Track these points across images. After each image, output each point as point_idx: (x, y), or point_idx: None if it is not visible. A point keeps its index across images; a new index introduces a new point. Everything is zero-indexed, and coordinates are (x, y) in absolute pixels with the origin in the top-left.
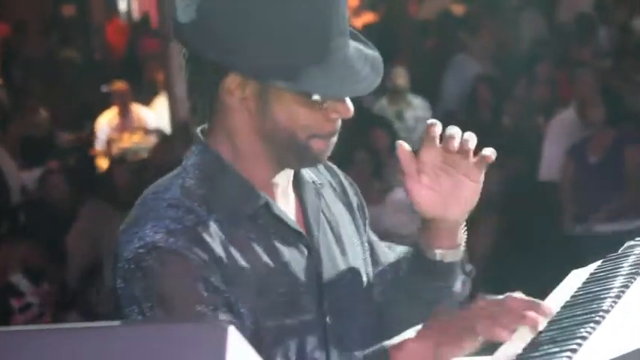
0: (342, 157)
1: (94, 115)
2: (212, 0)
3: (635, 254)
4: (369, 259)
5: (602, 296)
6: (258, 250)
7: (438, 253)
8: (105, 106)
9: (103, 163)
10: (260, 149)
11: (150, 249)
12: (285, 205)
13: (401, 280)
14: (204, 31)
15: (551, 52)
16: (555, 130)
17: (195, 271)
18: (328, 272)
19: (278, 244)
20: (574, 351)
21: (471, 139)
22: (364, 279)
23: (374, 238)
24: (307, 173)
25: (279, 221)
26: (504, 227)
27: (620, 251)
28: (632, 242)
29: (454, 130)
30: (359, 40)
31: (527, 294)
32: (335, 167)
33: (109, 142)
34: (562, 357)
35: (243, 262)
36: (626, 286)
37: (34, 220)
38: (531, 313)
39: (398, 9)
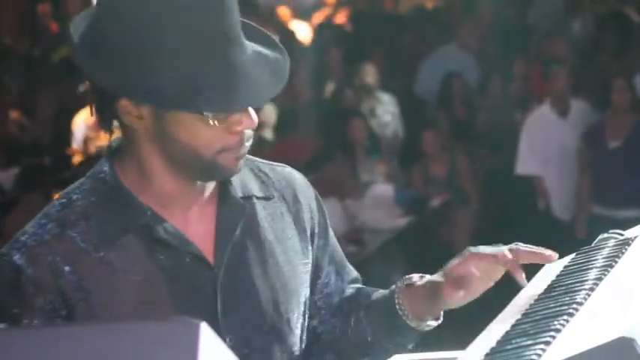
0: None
1: (70, 114)
2: (102, 26)
3: (609, 247)
4: (306, 283)
5: (575, 289)
6: (138, 268)
7: (424, 325)
8: (81, 104)
9: (79, 162)
10: (165, 165)
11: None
12: (193, 220)
13: (361, 326)
14: (96, 56)
15: (526, 47)
16: (532, 126)
17: (16, 288)
18: (235, 294)
19: (167, 263)
20: (547, 343)
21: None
22: (300, 299)
23: (325, 263)
24: (241, 186)
25: (164, 241)
26: (481, 222)
27: (593, 244)
28: (605, 235)
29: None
30: (260, 40)
31: (505, 286)
32: (296, 177)
33: (86, 141)
34: (535, 350)
35: (111, 278)
36: (600, 279)
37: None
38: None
39: (374, 5)
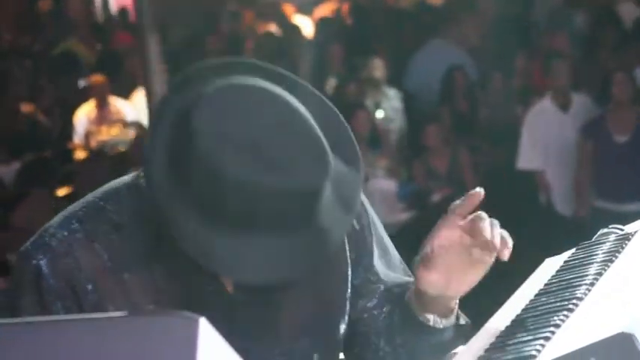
0: None
1: (72, 108)
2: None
3: (609, 242)
4: (344, 314)
5: (575, 284)
6: (163, 295)
7: (431, 319)
8: (83, 99)
9: (81, 156)
10: None
11: (25, 255)
12: None
13: (393, 330)
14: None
15: (527, 42)
16: (533, 120)
17: (46, 295)
18: (255, 320)
19: (191, 282)
20: (547, 339)
21: (503, 236)
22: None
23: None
24: None
25: (192, 267)
26: None
27: (594, 239)
28: (605, 230)
29: (485, 223)
30: (343, 153)
31: (506, 280)
32: None
33: (87, 135)
34: (535, 345)
35: (133, 304)
36: (600, 274)
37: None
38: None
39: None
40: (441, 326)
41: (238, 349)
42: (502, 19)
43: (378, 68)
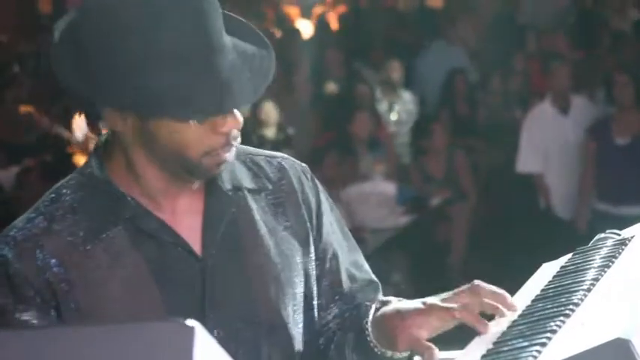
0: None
1: (71, 112)
2: (79, 41)
3: (606, 246)
4: (312, 272)
5: (572, 289)
6: (125, 260)
7: (390, 353)
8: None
9: (80, 161)
10: (151, 165)
11: None
12: (181, 213)
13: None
14: (76, 71)
15: (526, 44)
16: (532, 122)
17: (14, 279)
18: (223, 286)
19: (155, 255)
20: (543, 345)
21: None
22: (296, 291)
23: (333, 248)
24: (230, 178)
25: (150, 234)
26: (481, 220)
27: (590, 244)
28: (602, 235)
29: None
30: (248, 36)
31: (503, 287)
32: (298, 168)
33: (87, 140)
34: (531, 351)
35: (98, 271)
36: (597, 279)
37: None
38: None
39: (373, 3)
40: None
41: (201, 315)
42: (501, 20)
43: (395, 70)
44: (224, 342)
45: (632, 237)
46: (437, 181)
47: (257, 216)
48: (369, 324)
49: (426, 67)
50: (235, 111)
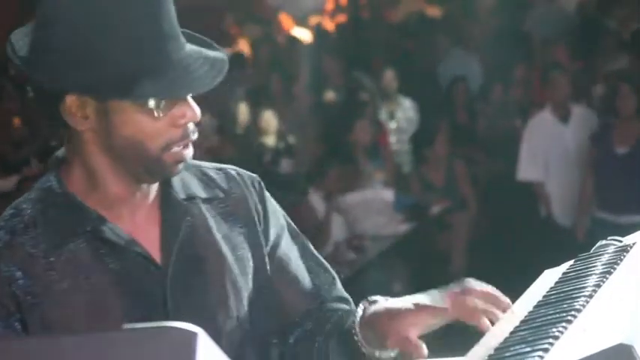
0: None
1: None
2: (39, 31)
3: (608, 253)
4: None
5: (574, 295)
6: (87, 271)
7: (377, 352)
8: None
9: None
10: (111, 167)
11: None
12: (139, 223)
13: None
14: (36, 61)
15: (527, 53)
16: (533, 131)
17: None
18: (184, 293)
19: (115, 266)
20: (546, 350)
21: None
22: (243, 301)
23: (280, 256)
24: (183, 188)
25: (112, 244)
26: (482, 229)
27: (592, 250)
28: (604, 241)
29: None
30: (201, 44)
31: (504, 293)
32: (246, 177)
33: None
34: (533, 357)
35: (61, 283)
36: (599, 285)
37: None
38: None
39: (373, 12)
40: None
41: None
42: (502, 29)
43: (390, 78)
44: None
45: (633, 244)
46: (437, 190)
47: (212, 223)
48: (356, 324)
49: (445, 73)
50: (193, 103)
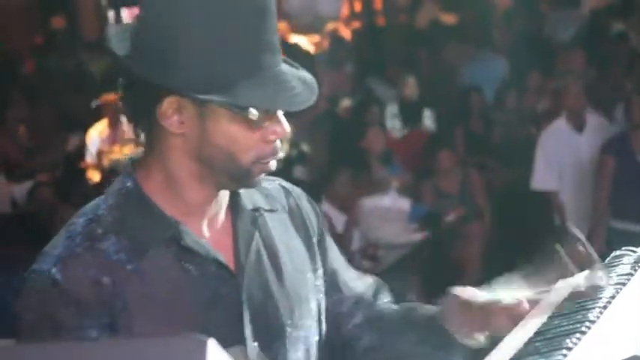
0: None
1: (84, 127)
2: (144, 28)
3: (623, 264)
4: (321, 288)
5: (588, 306)
6: (169, 278)
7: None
8: (96, 117)
9: (93, 176)
10: (194, 173)
11: (33, 274)
12: (214, 231)
13: (397, 339)
14: (140, 59)
15: (542, 61)
16: (547, 140)
17: (67, 298)
18: (256, 301)
19: (194, 272)
20: None
21: None
22: (311, 306)
23: (337, 266)
24: (249, 199)
25: (191, 251)
26: (496, 237)
27: (607, 261)
28: (618, 252)
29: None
30: (290, 65)
31: None
32: (296, 191)
33: (100, 154)
34: None
35: (145, 288)
36: (613, 297)
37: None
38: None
39: (388, 19)
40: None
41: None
42: (518, 37)
43: (410, 86)
44: (262, 346)
45: None
46: (451, 198)
47: (275, 234)
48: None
49: (472, 77)
50: (284, 120)
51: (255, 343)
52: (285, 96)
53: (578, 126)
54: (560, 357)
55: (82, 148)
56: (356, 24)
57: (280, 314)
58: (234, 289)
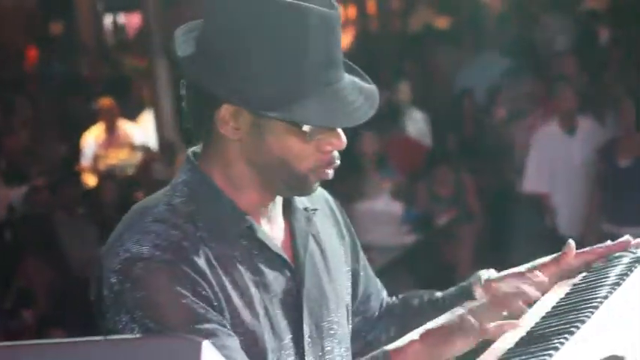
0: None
1: (80, 131)
2: (208, 34)
3: (621, 264)
4: (349, 289)
5: (581, 307)
6: (242, 270)
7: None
8: (92, 122)
9: (89, 180)
10: (252, 177)
11: (136, 260)
12: (273, 230)
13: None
14: (201, 64)
15: (533, 64)
16: (539, 143)
17: (183, 281)
18: (312, 298)
19: (261, 267)
20: None
21: None
22: (347, 304)
23: (361, 268)
24: (299, 200)
25: (262, 244)
26: (487, 240)
27: (606, 261)
28: (618, 253)
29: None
30: (355, 73)
31: None
32: (326, 193)
33: (96, 159)
34: None
35: (225, 281)
36: (606, 297)
37: (19, 237)
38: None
39: (382, 24)
40: None
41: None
42: (510, 41)
43: (404, 92)
44: (314, 351)
45: None
46: (443, 201)
47: (320, 234)
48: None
49: (465, 81)
50: (341, 132)
51: (310, 341)
52: (343, 112)
53: (571, 129)
54: (546, 357)
55: (77, 153)
56: (350, 29)
57: (330, 312)
58: (295, 286)
